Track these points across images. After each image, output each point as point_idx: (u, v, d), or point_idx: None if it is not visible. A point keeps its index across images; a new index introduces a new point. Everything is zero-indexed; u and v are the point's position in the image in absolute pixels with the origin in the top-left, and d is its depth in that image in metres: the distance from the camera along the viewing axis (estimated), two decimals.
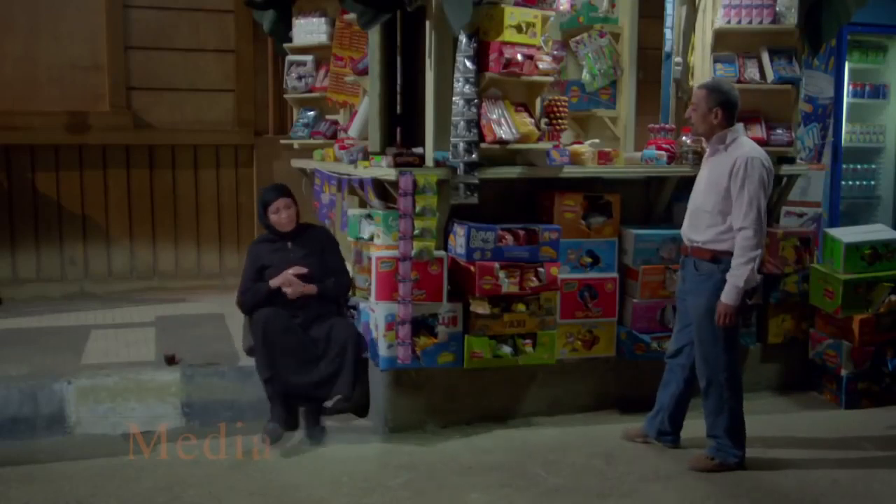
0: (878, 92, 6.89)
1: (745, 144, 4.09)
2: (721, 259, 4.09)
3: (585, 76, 6.44)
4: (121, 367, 4.74)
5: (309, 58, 5.99)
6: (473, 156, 4.51)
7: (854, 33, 6.55)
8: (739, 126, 4.19)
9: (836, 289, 5.09)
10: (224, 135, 6.81)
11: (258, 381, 4.79)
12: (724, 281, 4.06)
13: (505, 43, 4.48)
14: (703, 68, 5.28)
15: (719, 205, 4.06)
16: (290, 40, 6.02)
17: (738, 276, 3.99)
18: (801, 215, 5.67)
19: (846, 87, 6.59)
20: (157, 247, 6.76)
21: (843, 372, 5.14)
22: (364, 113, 4.94)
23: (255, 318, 4.46)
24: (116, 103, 6.52)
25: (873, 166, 7.05)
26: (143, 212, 6.71)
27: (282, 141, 6.21)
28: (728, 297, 4.03)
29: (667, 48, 5.53)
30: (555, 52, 7.06)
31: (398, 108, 5.15)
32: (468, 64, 4.48)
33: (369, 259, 4.67)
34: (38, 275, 6.51)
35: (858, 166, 6.89)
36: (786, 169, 5.29)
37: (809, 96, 6.77)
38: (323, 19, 5.89)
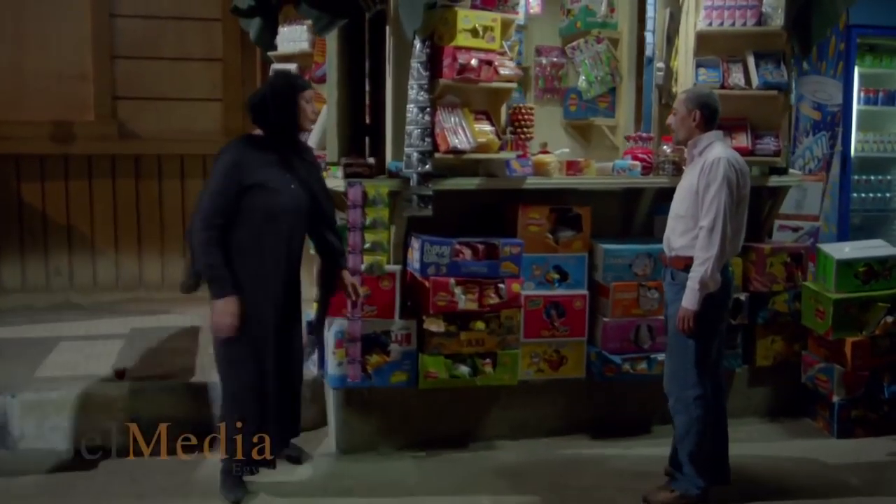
0: (893, 98, 6.47)
1: (716, 148, 3.91)
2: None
3: (582, 83, 6.21)
4: (71, 381, 4.64)
5: (293, 66, 5.86)
6: (427, 166, 4.31)
7: (864, 36, 6.16)
8: (716, 133, 3.97)
9: (826, 308, 4.74)
10: (211, 144, 6.61)
11: (208, 398, 4.68)
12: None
13: (459, 48, 4.27)
14: (686, 73, 5.00)
15: (691, 209, 3.89)
16: (276, 48, 5.90)
17: (693, 277, 3.80)
18: (796, 229, 5.32)
19: (855, 94, 6.20)
20: (143, 258, 6.69)
21: (835, 398, 4.79)
22: (322, 122, 4.78)
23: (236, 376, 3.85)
24: (102, 113, 6.47)
25: (888, 177, 6.62)
26: (129, 222, 6.64)
27: None
28: (686, 299, 3.82)
29: (648, 52, 5.26)
30: (556, 58, 6.88)
31: (367, 117, 4.99)
32: (421, 70, 4.29)
33: None
34: (23, 285, 6.49)
35: (872, 177, 6.47)
36: (774, 180, 4.97)
37: (818, 103, 6.40)
38: (305, 26, 5.75)
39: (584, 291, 4.67)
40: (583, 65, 6.25)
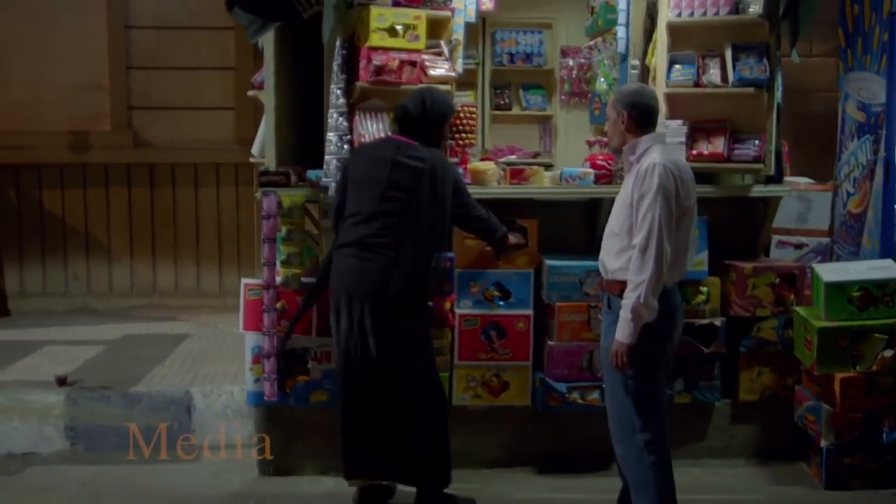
0: None
1: (653, 151, 3.37)
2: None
3: (601, 85, 5.79)
4: (19, 385, 4.73)
5: None
6: None
7: None
8: (654, 136, 3.47)
9: (812, 338, 4.11)
10: (224, 153, 6.75)
11: (143, 408, 4.65)
12: None
13: (374, 48, 4.00)
14: (662, 71, 4.48)
15: (626, 224, 3.39)
16: None
17: (625, 304, 3.29)
18: (799, 246, 4.65)
19: None
20: (157, 265, 6.82)
21: (823, 442, 4.14)
22: (263, 130, 4.63)
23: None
24: (117, 122, 6.65)
25: None
26: (144, 230, 6.79)
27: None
28: (619, 331, 3.32)
29: (621, 49, 4.76)
30: (584, 59, 6.45)
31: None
32: (339, 73, 4.07)
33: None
34: (43, 289, 6.76)
35: None
36: (758, 190, 4.38)
37: (862, 103, 5.62)
38: None
39: (528, 311, 4.26)
40: (601, 65, 5.82)
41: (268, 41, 4.49)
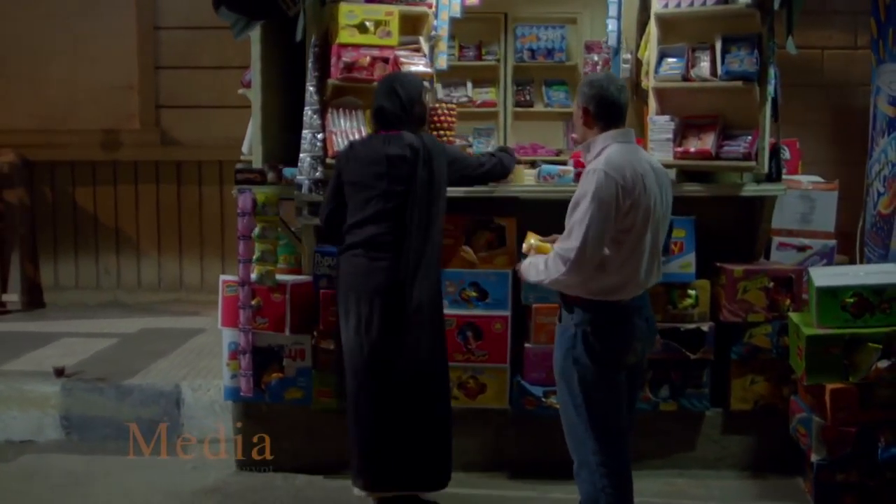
0: None
1: (606, 153, 3.10)
2: (574, 307, 3.17)
3: None
4: (17, 376, 4.90)
5: None
6: (317, 172, 4.07)
7: None
8: (615, 133, 3.14)
9: (802, 346, 3.88)
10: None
11: (134, 401, 4.77)
12: (577, 337, 3.14)
13: (343, 45, 3.98)
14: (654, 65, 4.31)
15: None
16: None
17: (536, 263, 3.22)
18: (802, 248, 4.39)
19: None
20: (184, 260, 6.97)
21: (814, 457, 3.90)
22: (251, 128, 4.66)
23: None
24: (146, 121, 6.83)
25: None
26: (171, 226, 6.95)
27: None
28: (525, 267, 3.31)
29: (612, 42, 4.58)
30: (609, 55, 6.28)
31: None
32: (312, 71, 4.06)
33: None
34: (76, 283, 7.00)
35: None
36: (749, 189, 4.15)
37: (892, 97, 5.29)
38: None
39: (506, 312, 4.16)
40: None
41: (254, 40, 4.51)
